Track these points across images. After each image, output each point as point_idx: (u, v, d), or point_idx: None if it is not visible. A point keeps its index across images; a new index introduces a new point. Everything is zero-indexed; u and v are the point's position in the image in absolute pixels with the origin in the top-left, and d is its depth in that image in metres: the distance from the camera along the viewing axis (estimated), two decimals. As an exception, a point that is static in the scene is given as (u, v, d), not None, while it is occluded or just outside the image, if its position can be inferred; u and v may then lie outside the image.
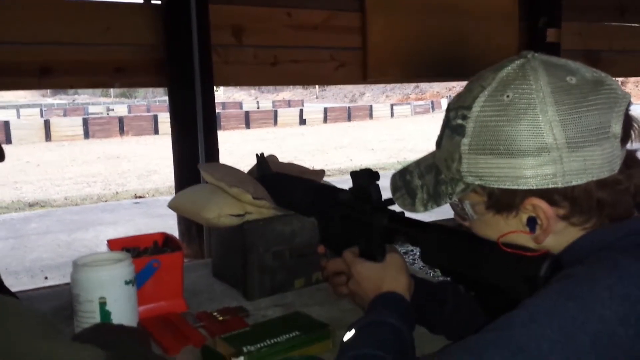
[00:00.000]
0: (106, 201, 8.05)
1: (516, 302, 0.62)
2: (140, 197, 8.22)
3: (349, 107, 25.68)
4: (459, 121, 0.68)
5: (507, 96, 0.65)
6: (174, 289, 1.13)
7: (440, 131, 0.73)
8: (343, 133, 18.04)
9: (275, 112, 23.06)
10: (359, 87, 36.98)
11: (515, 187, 0.65)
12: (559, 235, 0.67)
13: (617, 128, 0.63)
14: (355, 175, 0.95)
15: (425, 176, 0.75)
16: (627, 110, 0.65)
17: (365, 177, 0.94)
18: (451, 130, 0.70)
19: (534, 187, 0.64)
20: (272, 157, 1.36)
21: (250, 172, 1.32)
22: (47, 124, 18.24)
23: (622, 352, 0.54)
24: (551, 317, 0.56)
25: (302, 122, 22.05)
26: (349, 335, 0.77)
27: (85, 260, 0.97)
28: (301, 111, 23.90)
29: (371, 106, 26.26)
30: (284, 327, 0.97)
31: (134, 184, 9.22)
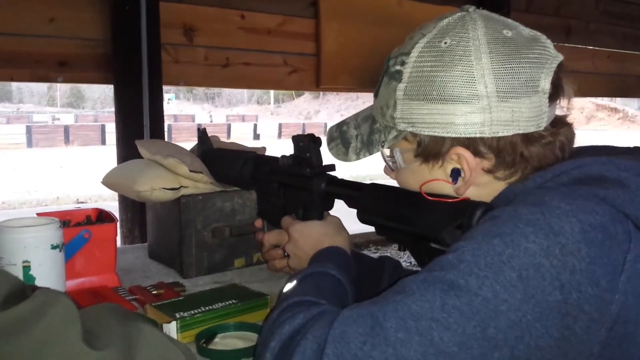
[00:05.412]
0: (46, 205, 7.71)
1: None
2: (82, 202, 7.93)
3: (303, 124, 25.76)
4: (398, 67, 0.69)
5: (445, 43, 0.66)
6: (106, 263, 1.08)
7: (379, 80, 0.74)
8: (296, 148, 18.05)
9: (229, 126, 22.84)
10: (314, 105, 37.21)
11: (445, 134, 0.66)
12: (482, 188, 0.69)
13: (546, 84, 0.65)
14: (297, 139, 0.95)
15: (361, 126, 0.76)
16: (559, 70, 0.67)
17: (306, 141, 0.94)
18: (389, 77, 0.71)
19: (462, 135, 0.65)
20: (215, 137, 1.33)
21: (192, 150, 1.29)
22: (-13, 131, 17.44)
23: (548, 282, 0.55)
24: (477, 256, 0.57)
25: (256, 137, 21.94)
26: (289, 286, 0.75)
27: (9, 223, 0.92)
28: (255, 126, 23.81)
29: (326, 124, 26.42)
30: (220, 297, 0.94)
31: (77, 192, 8.88)
